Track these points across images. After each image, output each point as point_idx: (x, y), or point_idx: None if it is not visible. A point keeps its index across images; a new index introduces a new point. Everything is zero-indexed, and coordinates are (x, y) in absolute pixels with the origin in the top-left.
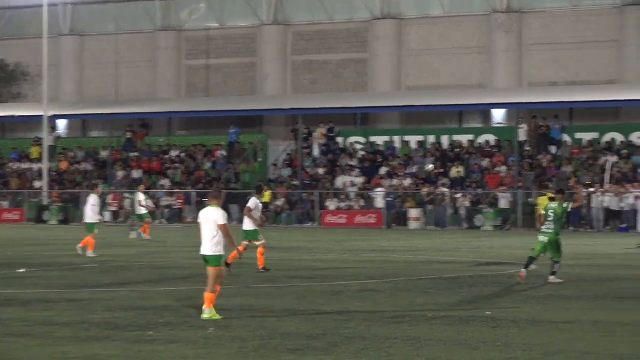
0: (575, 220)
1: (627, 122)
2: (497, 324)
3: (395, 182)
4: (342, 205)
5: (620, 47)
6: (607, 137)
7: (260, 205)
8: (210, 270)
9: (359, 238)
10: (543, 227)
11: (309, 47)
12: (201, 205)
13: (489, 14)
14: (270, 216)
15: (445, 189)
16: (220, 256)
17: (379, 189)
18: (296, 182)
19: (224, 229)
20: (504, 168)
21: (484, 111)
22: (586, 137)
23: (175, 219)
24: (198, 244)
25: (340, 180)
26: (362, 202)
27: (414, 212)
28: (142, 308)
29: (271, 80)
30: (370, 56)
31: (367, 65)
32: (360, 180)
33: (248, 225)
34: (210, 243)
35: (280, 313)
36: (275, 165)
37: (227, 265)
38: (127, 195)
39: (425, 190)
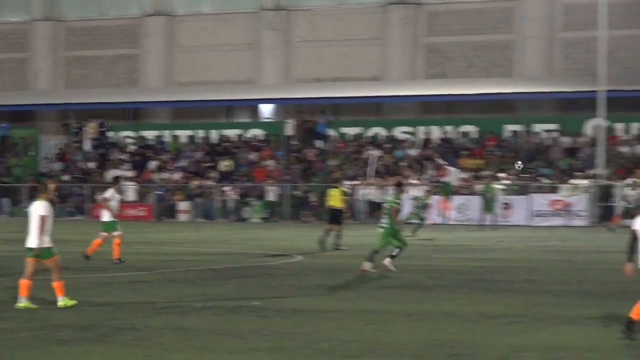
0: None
1: (390, 117)
2: (265, 314)
3: (165, 175)
4: None
5: (384, 44)
6: (371, 131)
7: (118, 196)
8: (47, 263)
9: (130, 230)
10: (381, 219)
11: (81, 42)
12: None
13: (257, 11)
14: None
15: (213, 182)
16: (50, 247)
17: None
18: (67, 176)
19: (41, 219)
20: (271, 162)
21: (252, 106)
22: (351, 131)
23: None
24: None
25: (111, 174)
26: (132, 195)
27: (182, 205)
28: None
29: (43, 75)
30: (141, 52)
31: (139, 61)
32: (130, 173)
33: (105, 216)
34: (37, 235)
35: (51, 304)
36: (46, 159)
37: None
38: None
39: (194, 183)
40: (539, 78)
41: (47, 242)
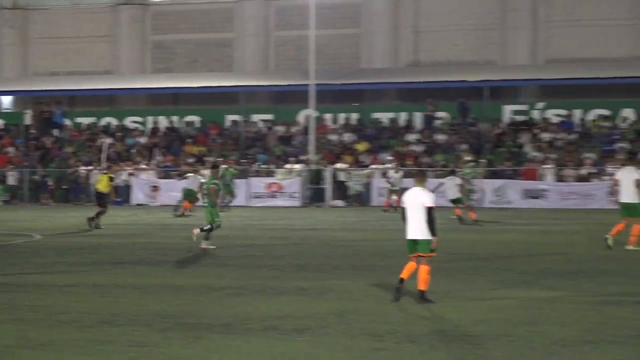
0: (75, 194)
1: (121, 108)
2: (7, 289)
3: None
4: None
5: (115, 41)
6: (104, 121)
7: None
8: None
9: None
10: (203, 199)
11: None
12: None
13: None
14: None
15: None
16: None
17: None
18: None
19: None
20: (11, 149)
21: None
22: (85, 121)
23: None
24: None
25: None
26: None
27: None
28: None
29: None
30: None
31: None
32: None
33: None
34: None
35: None
36: None
37: None
38: None
39: None
40: (256, 73)
41: None
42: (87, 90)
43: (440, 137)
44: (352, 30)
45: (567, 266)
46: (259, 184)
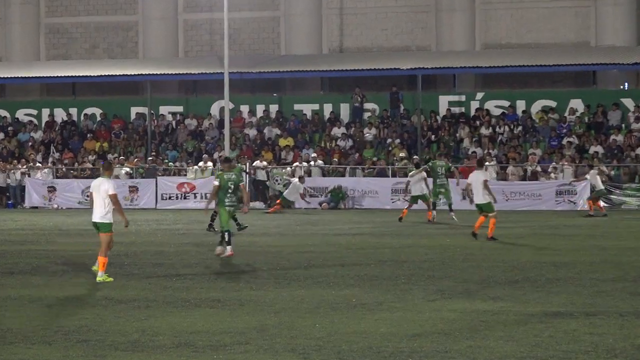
0: None
1: (13, 99)
2: None
3: None
4: None
5: (4, 24)
6: None
7: None
8: (102, 236)
9: None
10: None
11: None
12: None
13: None
14: None
15: None
16: (110, 223)
17: None
18: None
19: (114, 198)
20: None
21: None
22: None
23: None
24: None
25: None
26: None
27: None
28: None
29: None
30: None
31: None
32: None
33: None
34: (101, 211)
35: None
36: None
37: None
38: None
39: None
40: (163, 60)
41: (108, 218)
42: None
43: (370, 132)
44: (270, 12)
45: (511, 274)
46: (168, 184)
